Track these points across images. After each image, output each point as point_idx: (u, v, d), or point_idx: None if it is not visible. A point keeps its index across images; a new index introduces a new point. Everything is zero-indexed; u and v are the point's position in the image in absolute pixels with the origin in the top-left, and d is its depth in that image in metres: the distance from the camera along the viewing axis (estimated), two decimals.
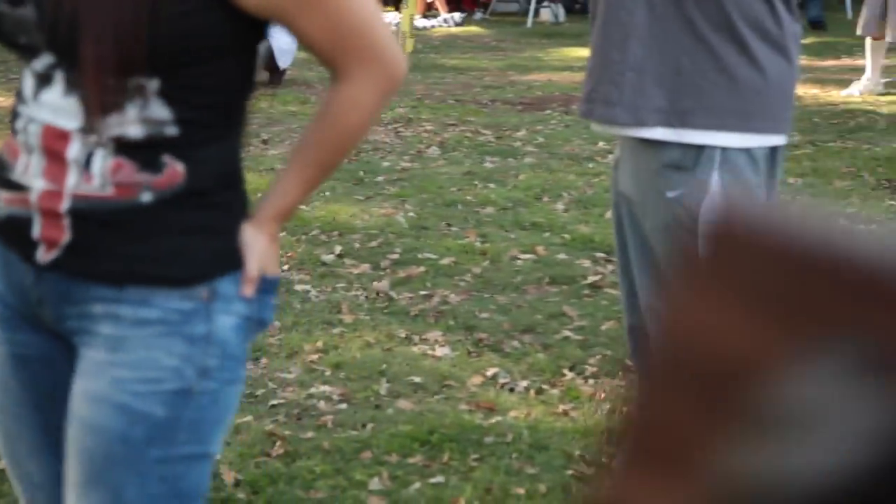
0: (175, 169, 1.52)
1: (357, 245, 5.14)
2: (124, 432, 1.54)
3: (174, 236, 1.57)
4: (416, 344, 4.08)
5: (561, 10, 15.18)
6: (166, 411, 1.54)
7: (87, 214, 1.52)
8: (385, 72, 1.56)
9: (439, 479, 3.09)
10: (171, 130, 1.52)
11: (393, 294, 4.57)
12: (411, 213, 5.77)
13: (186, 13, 1.47)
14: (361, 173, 6.32)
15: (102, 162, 1.50)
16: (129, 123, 1.49)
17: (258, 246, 1.57)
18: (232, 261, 1.56)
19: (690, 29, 2.25)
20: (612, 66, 2.29)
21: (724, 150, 2.25)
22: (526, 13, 15.02)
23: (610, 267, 4.99)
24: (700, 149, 2.26)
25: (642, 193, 2.36)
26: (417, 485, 3.05)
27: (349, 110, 1.58)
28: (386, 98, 1.60)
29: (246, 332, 1.60)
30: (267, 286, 1.60)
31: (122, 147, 1.50)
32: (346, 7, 1.54)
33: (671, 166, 2.29)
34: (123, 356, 1.54)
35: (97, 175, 1.50)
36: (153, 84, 1.49)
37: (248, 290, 1.56)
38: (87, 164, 1.51)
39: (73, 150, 1.50)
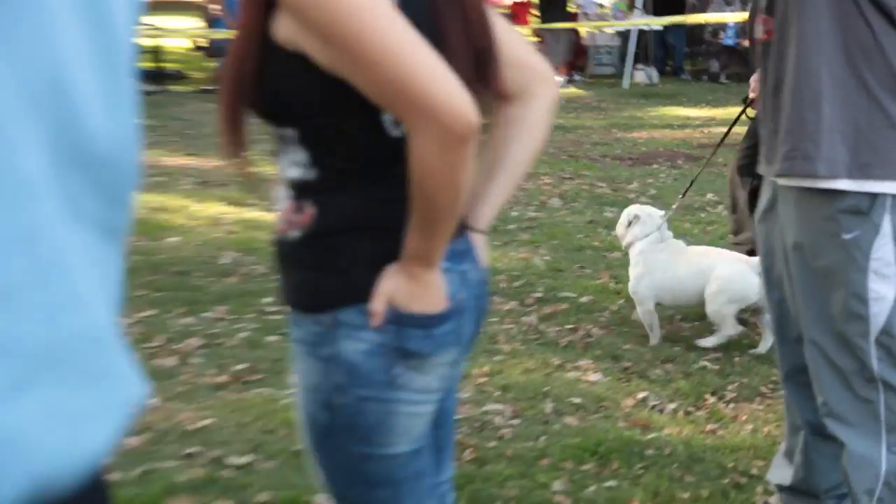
0: (309, 211, 1.64)
1: (503, 285, 5.45)
2: (309, 427, 1.77)
3: (304, 269, 1.68)
4: (569, 370, 4.36)
5: (654, 72, 15.47)
6: (325, 416, 1.69)
7: (275, 245, 1.73)
8: (438, 124, 1.45)
9: (612, 483, 3.36)
10: (308, 174, 1.63)
11: (542, 327, 4.87)
12: (546, 257, 6.08)
13: (286, 74, 1.56)
14: (495, 222, 6.62)
15: (284, 201, 1.72)
16: (288, 165, 1.66)
17: (388, 284, 1.61)
18: (356, 295, 1.62)
19: (865, 90, 2.50)
20: (808, 126, 2.52)
21: (894, 196, 2.52)
22: (621, 75, 15.34)
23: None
24: (874, 196, 2.50)
25: (813, 236, 2.61)
26: (594, 487, 3.32)
27: (416, 164, 1.50)
28: (449, 149, 1.47)
29: (385, 358, 1.65)
30: (405, 319, 1.63)
31: (290, 188, 1.69)
32: (385, 64, 1.44)
33: (848, 211, 2.53)
34: (297, 366, 1.76)
35: (282, 213, 1.70)
36: (290, 132, 1.62)
37: (372, 322, 1.62)
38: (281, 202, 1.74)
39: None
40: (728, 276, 4.64)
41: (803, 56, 2.53)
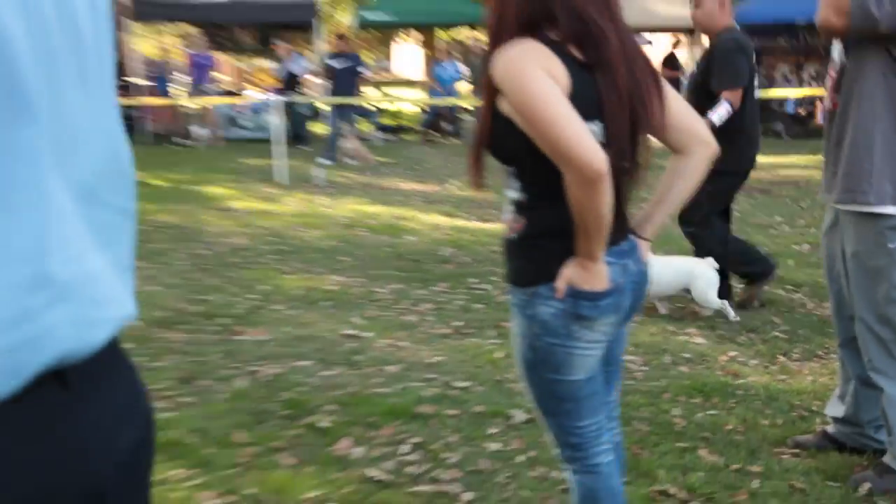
0: (522, 222, 1.75)
1: None
2: (520, 361, 1.85)
3: (517, 259, 1.78)
4: (681, 335, 4.36)
5: None
6: (529, 354, 1.81)
7: (503, 242, 1.84)
8: (577, 171, 1.55)
9: (713, 412, 3.37)
10: (521, 196, 1.74)
11: (660, 306, 4.88)
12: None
13: (506, 133, 1.68)
14: None
15: (508, 214, 1.83)
16: (510, 190, 1.77)
17: (568, 271, 1.71)
18: (548, 277, 1.73)
19: None
20: (864, 172, 2.53)
21: None
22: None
23: (797, 295, 5.15)
24: None
25: (866, 245, 2.60)
26: (700, 414, 3.34)
27: (568, 195, 1.60)
28: (585, 186, 1.56)
29: (565, 319, 1.74)
30: (579, 294, 1.72)
31: (512, 205, 1.78)
32: (547, 133, 1.56)
33: (892, 228, 2.52)
34: (513, 321, 1.84)
35: (507, 221, 1.81)
36: (511, 169, 1.75)
37: (557, 295, 1.72)
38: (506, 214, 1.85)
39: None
40: (701, 275, 4.54)
41: (862, 122, 2.54)
